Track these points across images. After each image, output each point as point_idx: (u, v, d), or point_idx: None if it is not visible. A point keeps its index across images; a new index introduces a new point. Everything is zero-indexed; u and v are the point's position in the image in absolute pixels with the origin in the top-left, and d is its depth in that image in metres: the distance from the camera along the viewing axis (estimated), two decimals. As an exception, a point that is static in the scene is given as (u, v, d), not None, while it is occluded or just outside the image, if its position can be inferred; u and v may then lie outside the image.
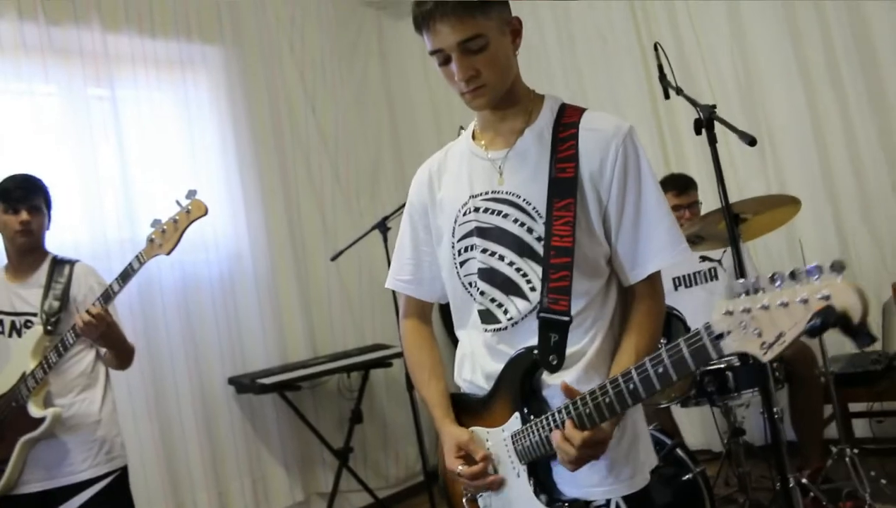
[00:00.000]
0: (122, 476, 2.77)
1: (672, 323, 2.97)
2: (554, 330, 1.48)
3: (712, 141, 2.43)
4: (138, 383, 3.88)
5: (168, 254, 2.49)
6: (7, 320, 2.75)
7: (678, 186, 3.67)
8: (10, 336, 2.74)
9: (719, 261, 3.64)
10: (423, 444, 4.18)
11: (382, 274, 4.14)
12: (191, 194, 2.45)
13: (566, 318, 1.48)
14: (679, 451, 3.00)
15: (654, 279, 1.55)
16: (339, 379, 4.73)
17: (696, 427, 4.32)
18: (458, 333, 1.72)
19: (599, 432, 1.36)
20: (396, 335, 4.08)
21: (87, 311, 2.53)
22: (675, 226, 1.53)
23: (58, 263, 2.81)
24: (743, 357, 2.99)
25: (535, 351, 1.50)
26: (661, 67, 2.74)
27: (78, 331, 2.55)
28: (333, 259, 4.25)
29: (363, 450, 4.87)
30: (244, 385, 4.20)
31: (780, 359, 3.23)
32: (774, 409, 2.47)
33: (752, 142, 2.14)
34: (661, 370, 1.19)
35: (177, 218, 2.45)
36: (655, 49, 2.79)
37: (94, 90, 4.09)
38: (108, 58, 4.14)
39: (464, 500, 1.68)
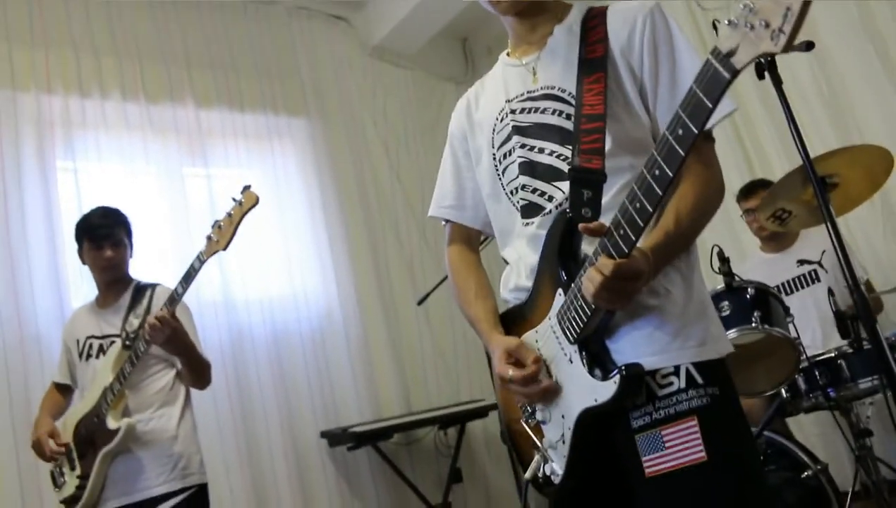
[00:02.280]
0: (199, 493, 2.73)
1: (770, 303, 2.75)
2: (587, 186, 1.39)
3: (777, 82, 2.31)
4: (230, 433, 3.89)
5: (225, 248, 2.50)
6: (96, 343, 2.84)
7: (743, 191, 3.58)
8: (97, 357, 2.82)
9: (819, 263, 3.38)
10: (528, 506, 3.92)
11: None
12: (245, 188, 2.50)
13: (600, 174, 1.39)
14: (797, 450, 2.72)
15: (702, 145, 1.43)
16: (436, 435, 4.62)
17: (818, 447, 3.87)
18: (504, 253, 1.65)
19: (632, 261, 1.22)
20: (493, 391, 4.03)
21: (155, 316, 2.56)
22: None
23: (140, 288, 2.91)
24: (855, 344, 2.76)
25: (568, 211, 1.39)
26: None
27: (146, 336, 2.58)
28: (420, 302, 4.22)
29: (464, 510, 4.64)
30: (337, 437, 4.15)
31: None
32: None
33: (809, 45, 2.00)
34: (680, 131, 1.07)
35: (231, 211, 2.50)
36: (714, 27, 2.72)
37: (189, 168, 4.35)
38: (201, 133, 4.41)
39: (522, 421, 1.56)
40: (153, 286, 2.90)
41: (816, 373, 2.79)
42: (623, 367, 1.29)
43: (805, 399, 2.87)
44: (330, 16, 5.22)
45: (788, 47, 0.93)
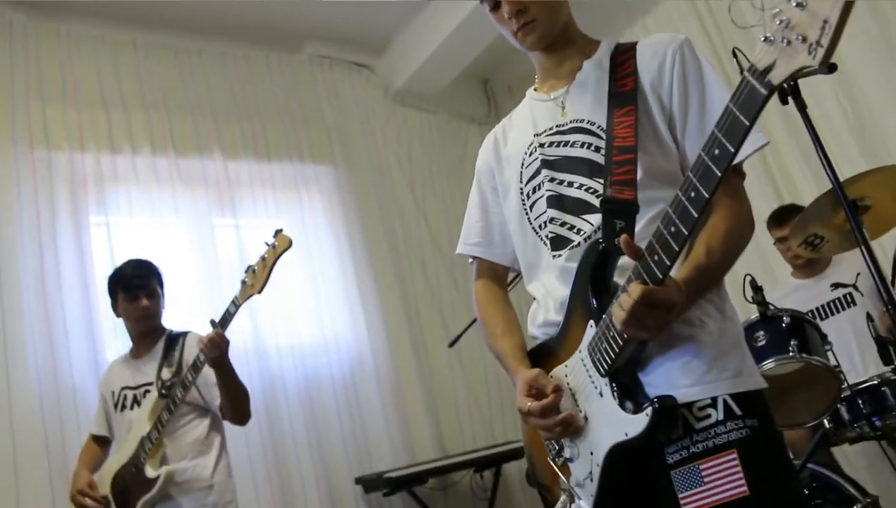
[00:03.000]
0: None
1: (806, 330, 2.70)
2: (619, 217, 1.39)
3: (801, 107, 2.30)
4: (264, 480, 3.87)
5: (259, 292, 2.56)
6: (130, 394, 2.87)
7: (775, 219, 3.53)
8: (132, 408, 2.84)
9: (854, 286, 3.31)
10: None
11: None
12: (277, 232, 2.56)
13: (633, 205, 1.39)
14: (844, 483, 2.64)
15: (733, 179, 1.43)
16: (472, 478, 4.54)
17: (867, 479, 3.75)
18: (531, 288, 1.64)
19: (665, 289, 1.21)
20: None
21: (208, 334, 2.59)
22: None
23: (172, 337, 2.95)
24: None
25: (601, 241, 1.39)
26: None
27: (205, 350, 2.59)
28: (452, 344, 4.18)
29: (504, 557, 4.55)
30: (372, 483, 4.11)
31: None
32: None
33: (831, 68, 1.99)
34: (717, 151, 1.06)
35: (265, 255, 2.55)
36: (734, 55, 2.73)
37: (218, 219, 4.41)
38: (229, 184, 4.48)
39: (549, 459, 1.53)
40: (184, 334, 2.94)
41: (860, 402, 2.71)
42: (655, 399, 1.27)
43: (849, 429, 2.78)
44: (352, 63, 5.30)
45: (827, 61, 0.92)
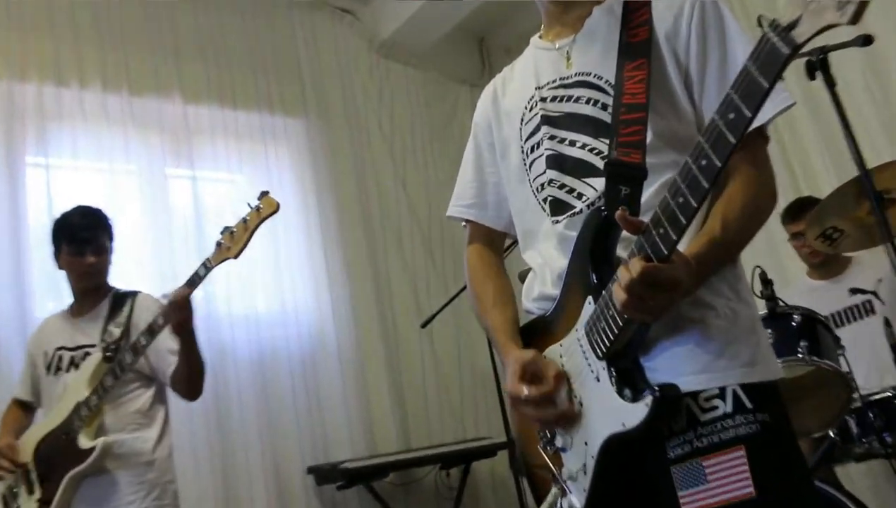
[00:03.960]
0: None
1: (818, 332, 2.71)
2: (625, 182, 1.36)
3: (830, 84, 2.29)
4: (206, 462, 3.85)
5: (236, 257, 2.52)
6: (67, 355, 2.82)
7: (790, 212, 3.52)
8: (67, 370, 2.79)
9: (874, 293, 3.32)
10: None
11: (485, 359, 4.11)
12: (262, 194, 2.52)
13: (640, 170, 1.36)
14: (848, 502, 2.65)
15: (753, 143, 1.40)
16: (437, 476, 4.55)
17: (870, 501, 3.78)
18: (527, 256, 1.63)
19: (669, 267, 1.18)
20: (503, 429, 4.00)
21: (174, 292, 2.54)
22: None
23: (119, 296, 2.89)
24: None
25: (603, 208, 1.36)
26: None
27: (161, 318, 2.55)
28: (424, 325, 4.20)
29: (466, 562, 4.58)
30: (326, 474, 4.10)
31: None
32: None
33: (867, 40, 1.98)
34: (732, 115, 1.03)
35: (247, 217, 2.51)
36: (759, 23, 2.69)
37: (173, 169, 4.35)
38: (188, 131, 4.41)
39: (539, 448, 1.51)
40: (134, 294, 2.89)
41: (871, 415, 2.74)
42: (657, 388, 1.24)
43: (857, 444, 2.82)
44: (335, 8, 5.24)
45: (857, 18, 0.89)
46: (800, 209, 3.48)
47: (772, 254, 3.89)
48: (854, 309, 3.43)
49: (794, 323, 2.70)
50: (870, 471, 3.51)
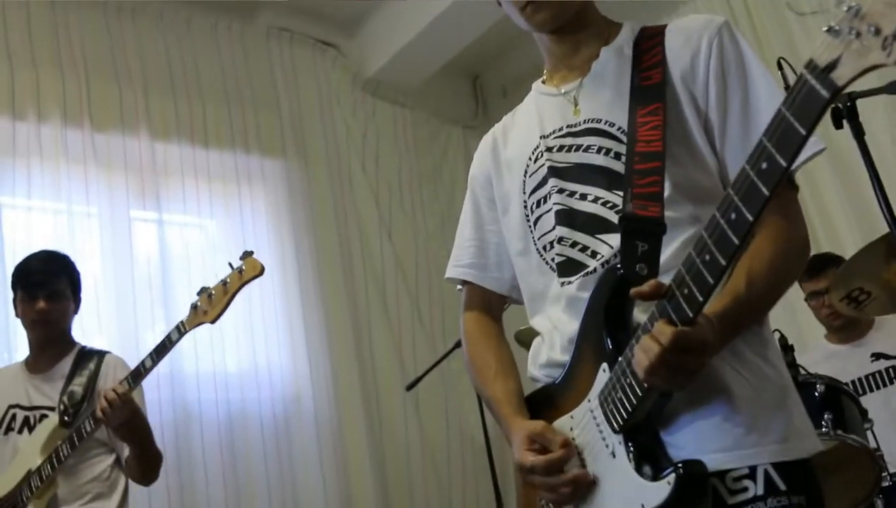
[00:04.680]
0: None
1: (843, 403, 2.70)
2: (642, 238, 1.36)
3: (858, 133, 2.31)
4: None
5: (213, 322, 2.53)
6: (20, 414, 2.79)
7: (809, 269, 3.50)
8: (20, 432, 2.75)
9: (898, 358, 3.34)
10: None
11: (476, 426, 4.08)
12: (245, 255, 2.52)
13: (658, 225, 1.36)
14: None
15: (783, 193, 1.40)
16: (419, 555, 4.46)
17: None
18: (535, 321, 1.62)
19: (697, 329, 1.18)
20: (494, 505, 3.94)
21: (113, 390, 2.52)
22: None
23: (85, 354, 2.87)
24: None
25: (619, 267, 1.36)
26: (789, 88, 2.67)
27: (98, 414, 2.53)
28: (410, 388, 4.15)
29: None
30: (298, 550, 4.01)
31: None
32: None
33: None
34: (764, 165, 1.02)
35: (227, 280, 2.51)
36: (780, 66, 2.75)
37: (138, 211, 4.33)
38: (155, 171, 4.40)
39: None
40: (101, 353, 2.89)
41: None
42: (680, 465, 1.23)
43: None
44: (317, 41, 5.27)
45: None
46: (820, 266, 3.48)
47: (789, 315, 3.90)
48: (878, 375, 3.42)
49: (816, 394, 2.71)
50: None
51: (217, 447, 4.10)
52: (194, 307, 2.53)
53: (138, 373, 2.55)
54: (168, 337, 2.53)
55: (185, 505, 3.91)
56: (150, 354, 2.54)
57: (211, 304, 2.50)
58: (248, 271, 2.47)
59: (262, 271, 2.46)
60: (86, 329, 3.40)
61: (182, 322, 2.53)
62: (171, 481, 3.84)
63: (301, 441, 4.39)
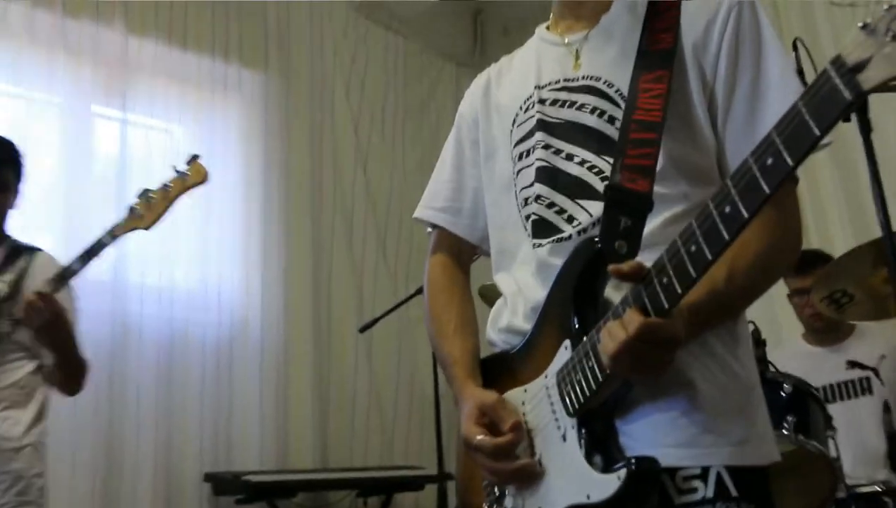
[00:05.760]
0: None
1: (809, 407, 2.73)
2: (626, 213, 1.32)
3: (866, 130, 2.27)
4: (87, 454, 3.77)
5: (148, 228, 2.53)
6: None
7: (798, 265, 3.44)
8: None
9: (874, 370, 3.34)
10: None
11: (427, 380, 4.09)
12: (192, 159, 2.52)
13: (645, 201, 1.32)
14: None
15: (782, 186, 1.35)
16: (353, 503, 4.51)
17: None
18: (499, 279, 1.60)
19: (669, 323, 1.15)
20: (436, 461, 3.96)
21: (35, 291, 2.47)
22: None
23: (16, 249, 2.79)
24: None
25: (597, 240, 1.32)
26: (801, 72, 2.63)
27: (18, 315, 2.49)
28: (363, 329, 4.15)
29: None
30: (225, 484, 4.05)
31: None
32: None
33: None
34: (770, 160, 0.98)
35: (169, 184, 2.51)
36: (795, 47, 2.70)
37: (101, 107, 4.24)
38: (126, 67, 4.30)
39: (485, 504, 1.49)
40: (33, 250, 2.82)
41: None
42: (633, 460, 1.21)
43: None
44: (314, -49, 5.16)
45: None
46: (809, 263, 3.44)
47: (766, 307, 3.89)
48: (850, 385, 3.44)
49: (783, 394, 2.72)
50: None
51: (154, 366, 4.07)
52: (131, 210, 2.52)
53: (63, 276, 2.51)
54: (99, 240, 2.51)
55: (112, 423, 3.89)
56: (79, 256, 2.50)
57: (149, 209, 2.50)
58: (192, 177, 2.48)
59: (206, 178, 2.48)
60: (29, 223, 3.31)
61: (115, 225, 2.52)
62: (100, 395, 3.81)
63: (242, 371, 4.38)
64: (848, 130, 2.41)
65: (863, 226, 3.65)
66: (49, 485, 2.73)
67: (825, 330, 3.56)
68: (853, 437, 3.27)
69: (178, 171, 2.49)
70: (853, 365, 3.37)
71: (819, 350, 3.60)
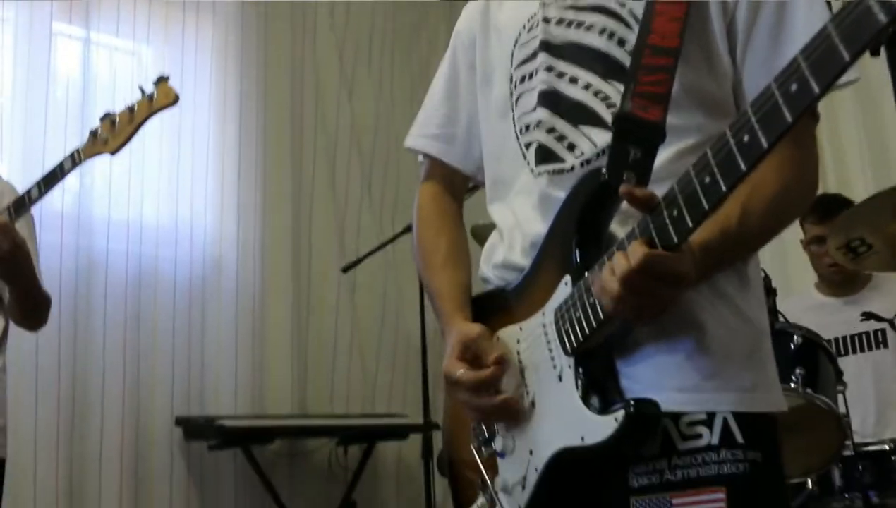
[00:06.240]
0: None
1: (819, 360, 2.76)
2: (636, 143, 1.31)
3: (894, 63, 2.25)
4: (51, 395, 3.81)
5: (113, 153, 2.51)
6: None
7: (819, 211, 3.48)
8: None
9: (890, 322, 3.37)
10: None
11: (413, 324, 4.11)
12: (159, 80, 2.49)
13: (658, 131, 1.31)
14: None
15: (802, 121, 1.35)
16: (333, 452, 4.57)
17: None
18: (494, 210, 1.60)
19: (676, 256, 1.15)
20: (421, 410, 3.99)
21: None
22: None
23: None
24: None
25: (604, 171, 1.32)
26: (829, 4, 2.60)
27: None
28: (346, 269, 4.17)
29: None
30: (197, 428, 4.09)
31: None
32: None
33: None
34: (794, 87, 0.96)
35: (134, 106, 2.48)
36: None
37: (62, 24, 4.19)
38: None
39: (472, 447, 1.51)
40: None
41: (860, 468, 2.81)
42: (632, 402, 1.22)
43: (837, 498, 2.89)
44: None
45: None
46: (828, 209, 3.44)
47: (778, 255, 3.92)
48: (864, 337, 3.49)
49: (792, 345, 2.76)
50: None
51: (121, 304, 4.09)
52: (94, 134, 2.51)
53: (21, 204, 2.49)
54: (60, 165, 2.50)
55: (77, 362, 3.93)
56: (38, 183, 2.49)
57: (113, 133, 2.48)
58: (159, 99, 2.46)
59: (175, 100, 2.46)
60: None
61: (77, 150, 2.50)
62: (64, 334, 3.85)
63: (216, 310, 4.41)
64: (873, 68, 2.40)
65: (884, 171, 3.66)
66: (11, 427, 2.75)
67: (840, 281, 3.59)
68: (865, 391, 3.33)
69: (144, 93, 2.46)
70: (868, 316, 3.40)
71: (832, 300, 3.64)
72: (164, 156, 4.36)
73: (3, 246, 2.46)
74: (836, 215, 3.30)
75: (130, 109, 2.47)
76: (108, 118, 2.49)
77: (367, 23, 5.32)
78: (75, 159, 2.49)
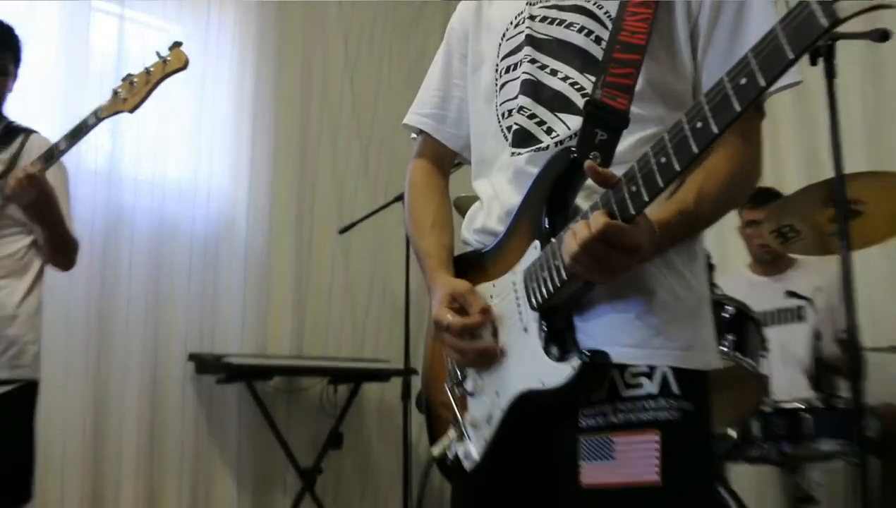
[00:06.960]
0: (24, 391, 2.66)
1: (747, 329, 2.80)
2: (603, 127, 1.32)
3: (830, 75, 2.29)
4: (80, 328, 3.82)
5: (131, 111, 2.50)
6: None
7: (755, 198, 3.51)
8: None
9: (809, 300, 3.43)
10: (410, 494, 4.03)
11: (399, 283, 4.12)
12: (174, 45, 2.48)
13: (622, 117, 1.33)
14: (730, 500, 2.78)
15: (749, 116, 1.37)
16: (325, 390, 4.58)
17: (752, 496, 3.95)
18: (477, 185, 1.61)
19: (633, 229, 1.17)
20: (401, 356, 4.02)
21: (23, 168, 2.48)
22: None
23: (12, 129, 2.78)
24: (829, 400, 2.83)
25: (574, 150, 1.33)
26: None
27: (7, 191, 2.49)
28: (343, 231, 4.17)
29: (335, 482, 4.65)
30: (207, 364, 4.10)
31: (878, 418, 2.97)
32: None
33: (883, 35, 1.98)
34: (744, 80, 0.99)
35: (151, 68, 2.47)
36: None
37: (100, 2, 4.16)
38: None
39: (446, 386, 1.53)
40: (28, 131, 2.80)
41: (776, 422, 2.88)
42: (586, 352, 1.25)
43: (755, 447, 2.96)
44: None
45: None
46: (763, 197, 3.49)
47: (717, 236, 3.95)
48: (786, 313, 3.54)
49: (725, 314, 2.79)
50: (759, 475, 3.67)
51: (144, 254, 4.09)
52: (115, 93, 2.49)
53: (51, 154, 2.50)
54: (84, 121, 2.49)
55: (103, 302, 3.93)
56: (65, 136, 2.50)
57: (132, 92, 2.46)
58: (172, 62, 2.44)
59: (186, 64, 2.44)
60: (28, 110, 3.26)
61: (99, 107, 2.49)
62: (93, 278, 3.85)
63: (227, 261, 4.40)
64: (812, 75, 2.42)
65: (815, 169, 3.69)
66: (43, 355, 2.76)
67: (769, 262, 3.63)
68: (785, 359, 3.38)
69: (160, 56, 2.45)
70: (791, 294, 3.46)
71: (762, 279, 3.69)
72: (187, 126, 4.33)
73: (33, 192, 2.50)
74: (768, 203, 3.35)
75: (147, 71, 2.45)
76: (127, 78, 2.48)
77: (370, 15, 5.28)
78: (97, 115, 2.49)
